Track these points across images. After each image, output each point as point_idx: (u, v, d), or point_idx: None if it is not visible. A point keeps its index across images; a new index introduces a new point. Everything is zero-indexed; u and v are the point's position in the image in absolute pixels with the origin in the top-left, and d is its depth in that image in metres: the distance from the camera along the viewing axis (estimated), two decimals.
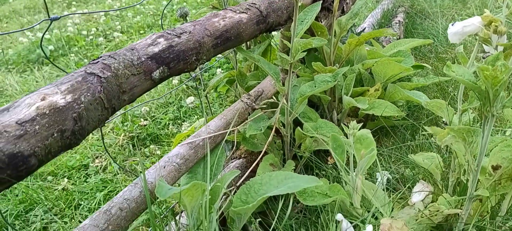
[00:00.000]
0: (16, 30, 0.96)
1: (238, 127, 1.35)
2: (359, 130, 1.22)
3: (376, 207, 1.22)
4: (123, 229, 0.95)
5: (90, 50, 4.02)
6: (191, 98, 2.50)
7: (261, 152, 1.40)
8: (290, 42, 1.30)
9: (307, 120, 1.56)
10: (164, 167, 1.12)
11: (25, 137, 0.71)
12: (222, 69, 2.91)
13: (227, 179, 1.14)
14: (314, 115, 1.59)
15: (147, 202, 1.01)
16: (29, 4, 6.25)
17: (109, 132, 2.36)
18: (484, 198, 1.09)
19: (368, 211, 1.24)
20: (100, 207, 1.12)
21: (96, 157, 2.13)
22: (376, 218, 1.22)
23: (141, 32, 4.42)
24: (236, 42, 1.28)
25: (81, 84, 0.83)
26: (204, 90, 2.27)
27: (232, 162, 1.50)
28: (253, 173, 1.37)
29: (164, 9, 2.17)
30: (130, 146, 2.22)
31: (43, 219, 1.71)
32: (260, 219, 1.17)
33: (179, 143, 1.34)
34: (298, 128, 1.47)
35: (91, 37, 4.33)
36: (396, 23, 3.10)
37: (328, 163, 1.49)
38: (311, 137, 1.54)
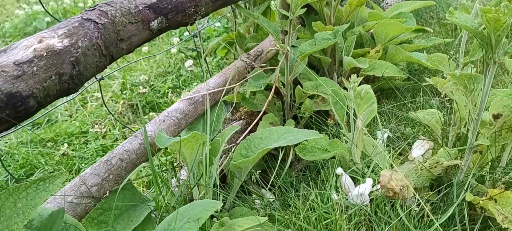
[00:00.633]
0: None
1: (237, 84, 1.34)
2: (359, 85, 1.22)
3: (376, 162, 1.23)
4: (123, 179, 0.95)
5: None
6: (190, 62, 2.47)
7: (260, 111, 1.40)
8: None
9: (307, 81, 1.55)
10: (164, 121, 1.12)
11: (23, 77, 0.70)
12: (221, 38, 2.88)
13: (227, 134, 1.14)
14: (314, 77, 1.58)
15: (147, 153, 1.01)
16: None
17: (108, 100, 2.35)
18: (484, 150, 1.09)
19: (368, 167, 1.24)
20: None
21: (96, 124, 2.12)
22: (376, 173, 1.22)
23: None
24: None
25: (78, 29, 0.82)
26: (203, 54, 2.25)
27: (232, 123, 1.49)
28: (253, 133, 1.37)
29: None
30: (130, 113, 2.22)
31: None
32: (260, 171, 1.17)
33: None
34: (298, 86, 1.46)
35: None
36: None
37: (329, 122, 1.49)
38: (311, 98, 1.53)
